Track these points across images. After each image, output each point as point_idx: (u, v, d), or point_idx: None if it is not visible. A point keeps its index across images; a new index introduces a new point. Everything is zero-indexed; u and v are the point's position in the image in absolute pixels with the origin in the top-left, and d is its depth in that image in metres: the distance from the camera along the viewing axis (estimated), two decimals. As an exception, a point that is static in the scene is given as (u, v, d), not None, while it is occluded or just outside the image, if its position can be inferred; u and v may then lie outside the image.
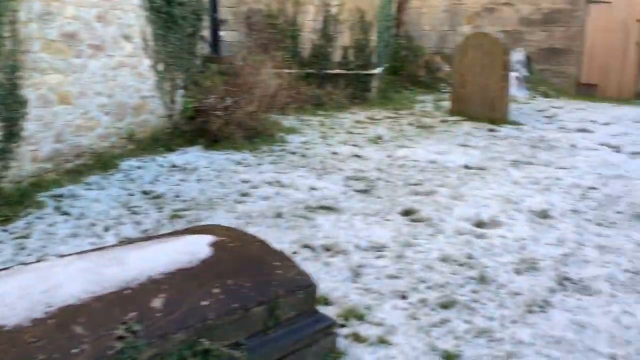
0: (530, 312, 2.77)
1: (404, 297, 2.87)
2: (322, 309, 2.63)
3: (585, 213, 4.14)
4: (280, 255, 2.44)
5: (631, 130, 6.98)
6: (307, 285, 2.31)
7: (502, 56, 6.95)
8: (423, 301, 2.83)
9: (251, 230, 3.56)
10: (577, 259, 3.36)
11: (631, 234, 3.74)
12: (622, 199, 4.47)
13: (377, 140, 6.33)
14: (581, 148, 6.09)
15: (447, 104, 7.94)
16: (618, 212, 4.19)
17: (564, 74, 9.91)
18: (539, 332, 2.60)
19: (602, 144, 6.31)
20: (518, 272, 3.19)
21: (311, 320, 2.30)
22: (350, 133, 6.63)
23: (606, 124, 7.24)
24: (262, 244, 2.50)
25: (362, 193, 4.55)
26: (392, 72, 9.40)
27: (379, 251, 3.41)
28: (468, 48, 7.29)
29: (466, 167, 5.32)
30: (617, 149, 6.17)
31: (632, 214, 4.15)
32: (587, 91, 9.84)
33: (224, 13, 8.87)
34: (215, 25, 8.63)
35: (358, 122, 7.19)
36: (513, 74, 8.68)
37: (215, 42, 8.55)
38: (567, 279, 3.13)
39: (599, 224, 3.95)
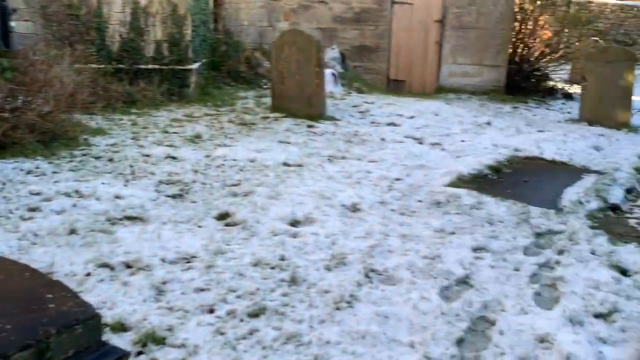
0: (338, 309, 2.80)
1: (211, 312, 2.71)
2: (117, 337, 2.35)
3: (391, 204, 4.39)
4: (56, 285, 2.10)
5: (432, 122, 7.66)
6: (88, 317, 2.01)
7: (316, 54, 7.12)
8: (231, 313, 2.69)
9: (37, 251, 3.10)
10: (383, 250, 3.52)
11: (429, 221, 4.04)
12: (422, 188, 4.83)
13: (195, 139, 6.06)
14: (389, 141, 6.50)
15: (268, 100, 7.93)
16: (419, 201, 4.51)
17: (376, 71, 10.59)
18: (345, 329, 2.63)
19: (407, 137, 6.81)
20: (328, 268, 3.22)
21: (96, 356, 2.01)
22: (166, 132, 6.25)
23: (411, 117, 7.85)
24: (33, 274, 2.13)
25: (174, 198, 4.27)
26: (212, 68, 9.13)
27: (188, 263, 3.20)
28: (284, 45, 7.34)
29: (285, 164, 5.33)
30: (420, 140, 6.71)
31: (431, 201, 4.50)
32: (396, 87, 10.63)
33: (14, 1, 7.80)
34: (4, 14, 7.55)
35: (175, 120, 6.82)
36: (329, 71, 9.01)
37: (4, 33, 7.47)
38: (373, 270, 3.25)
39: (402, 214, 4.21)
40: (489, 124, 7.91)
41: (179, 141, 5.94)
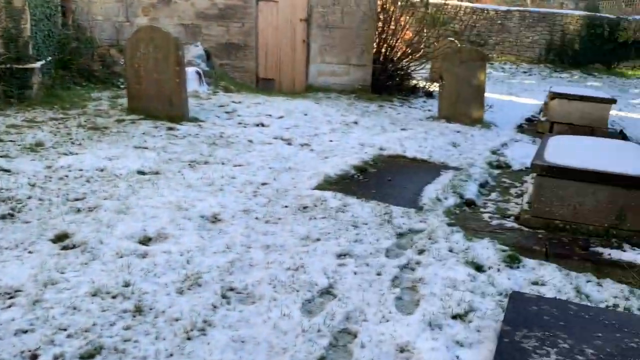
0: (189, 338, 2.52)
1: (34, 358, 2.29)
2: None
3: (255, 211, 4.17)
4: None
5: (301, 122, 7.57)
6: None
7: (175, 51, 6.68)
8: (59, 357, 2.29)
9: None
10: (244, 264, 3.29)
11: (295, 229, 3.88)
12: (289, 192, 4.68)
13: (35, 148, 5.35)
14: (257, 143, 6.28)
15: (125, 101, 7.32)
16: (285, 207, 4.34)
17: (244, 69, 10.31)
18: (196, 363, 2.36)
19: (276, 138, 6.65)
20: (181, 292, 2.92)
21: None
22: (0, 141, 5.46)
23: (280, 117, 7.70)
24: None
25: (2, 220, 3.67)
26: (61, 67, 8.24)
27: (10, 298, 2.71)
28: (139, 42, 6.79)
29: (140, 172, 4.88)
30: (289, 141, 6.57)
31: (297, 206, 4.35)
32: (266, 85, 10.45)
33: None
34: None
35: (12, 126, 6.00)
36: (193, 69, 8.57)
37: None
38: (231, 289, 3.00)
39: (267, 221, 4.01)
40: (356, 123, 8.01)
41: (15, 151, 5.21)
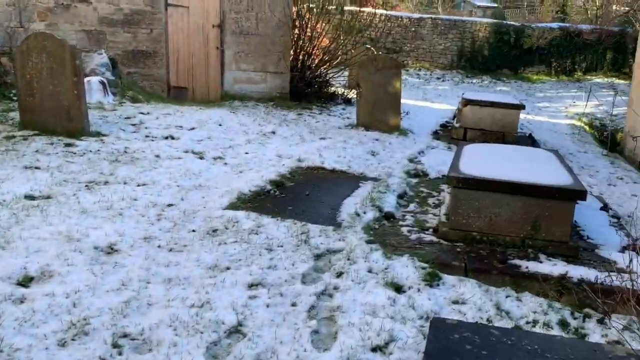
0: (68, 405, 2.14)
1: None
2: None
3: (158, 238, 3.78)
4: None
5: (215, 134, 7.19)
6: None
7: (72, 60, 6.10)
8: None
9: None
10: (141, 304, 2.92)
11: (202, 257, 3.54)
12: (198, 214, 4.33)
13: None
14: (165, 158, 5.85)
15: (17, 115, 6.61)
16: (192, 231, 3.99)
17: (154, 77, 9.75)
18: None
19: (187, 151, 6.23)
20: (63, 344, 2.51)
21: None
22: None
23: (192, 129, 7.28)
24: None
25: None
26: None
27: None
28: (30, 51, 6.15)
29: (28, 197, 4.34)
30: (200, 155, 6.19)
31: (206, 230, 4.01)
32: (178, 95, 9.94)
33: None
34: None
35: None
36: (96, 79, 7.95)
37: None
38: (125, 335, 2.63)
39: (171, 250, 3.64)
40: (274, 133, 7.75)
41: None
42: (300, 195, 5.09)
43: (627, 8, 22.04)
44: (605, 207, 5.29)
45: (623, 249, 4.22)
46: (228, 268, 3.41)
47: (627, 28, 19.29)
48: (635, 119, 11.69)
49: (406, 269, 3.58)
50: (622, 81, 18.38)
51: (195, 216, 4.27)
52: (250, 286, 3.21)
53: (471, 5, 26.31)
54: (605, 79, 18.61)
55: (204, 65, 10.08)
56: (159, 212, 4.27)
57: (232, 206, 4.52)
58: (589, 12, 23.39)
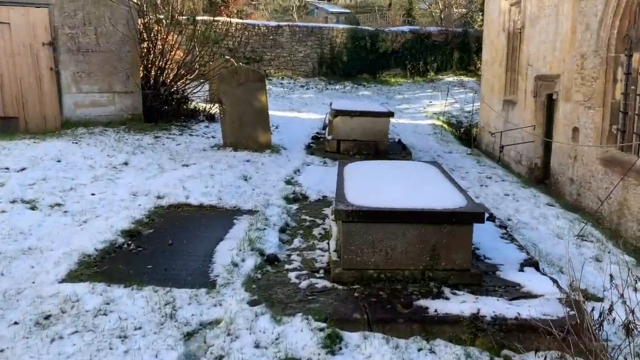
0: None
1: None
2: None
3: (-40, 347, 2.73)
4: None
5: (52, 173, 5.97)
6: None
7: None
8: None
9: None
10: None
11: (25, 366, 2.57)
12: (24, 294, 3.29)
13: None
14: (-17, 214, 4.61)
15: None
16: (14, 324, 2.96)
17: (-29, 108, 8.08)
18: None
19: (13, 201, 5.01)
20: None
21: None
22: None
23: (22, 169, 5.98)
24: None
25: None
26: None
27: None
28: None
29: None
30: (32, 204, 5.00)
31: (34, 319, 3.01)
32: (6, 126, 8.35)
33: None
34: None
35: None
36: None
37: None
38: None
39: (-20, 362, 2.62)
40: (126, 164, 6.69)
41: None
42: (161, 246, 4.21)
43: (465, 10, 23.74)
44: (491, 217, 5.12)
45: (521, 267, 3.99)
46: (64, 380, 2.50)
47: (468, 29, 20.66)
48: (488, 114, 12.32)
49: (301, 334, 2.94)
50: (469, 78, 19.64)
51: (20, 298, 3.23)
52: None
53: (325, 11, 26.64)
54: (455, 78, 19.73)
55: (37, 90, 8.58)
56: (-35, 301, 3.17)
57: (72, 276, 3.54)
58: (433, 14, 24.80)
